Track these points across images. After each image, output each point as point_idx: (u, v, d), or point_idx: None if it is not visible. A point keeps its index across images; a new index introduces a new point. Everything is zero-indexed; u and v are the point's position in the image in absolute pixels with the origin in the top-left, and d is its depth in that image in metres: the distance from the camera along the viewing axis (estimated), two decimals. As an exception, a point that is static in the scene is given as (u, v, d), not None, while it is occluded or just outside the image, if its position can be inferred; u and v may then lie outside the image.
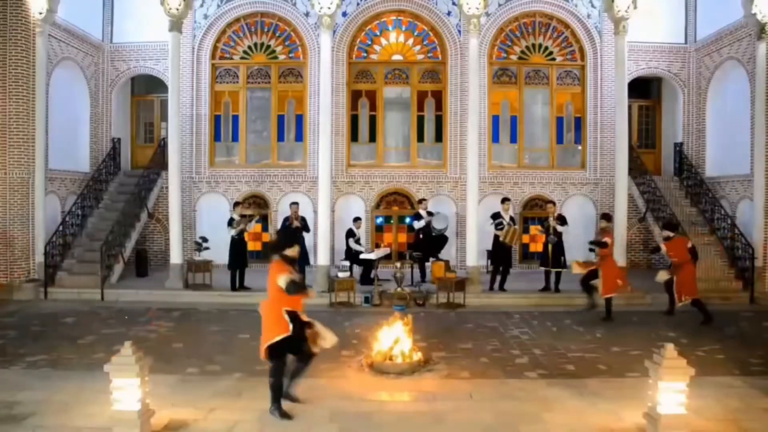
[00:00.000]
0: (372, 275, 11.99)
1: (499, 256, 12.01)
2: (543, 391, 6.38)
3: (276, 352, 5.43)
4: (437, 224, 12.51)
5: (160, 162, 14.68)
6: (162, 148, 14.90)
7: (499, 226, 11.82)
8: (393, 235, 15.05)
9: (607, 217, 11.02)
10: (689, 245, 10.26)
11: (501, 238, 11.81)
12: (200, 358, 7.58)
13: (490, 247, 12.44)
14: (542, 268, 12.01)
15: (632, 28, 12.40)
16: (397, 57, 15.09)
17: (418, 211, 12.99)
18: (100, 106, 15.04)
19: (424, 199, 13.35)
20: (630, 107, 13.60)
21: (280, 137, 15.25)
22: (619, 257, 11.91)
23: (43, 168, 12.23)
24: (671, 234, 10.35)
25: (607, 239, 10.29)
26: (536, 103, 15.35)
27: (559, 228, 11.70)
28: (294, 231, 11.48)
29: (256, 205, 14.96)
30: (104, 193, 14.53)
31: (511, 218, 12.21)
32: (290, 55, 15.09)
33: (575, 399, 6.04)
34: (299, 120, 15.11)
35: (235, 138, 15.34)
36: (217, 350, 7.97)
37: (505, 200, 12.34)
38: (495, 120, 15.05)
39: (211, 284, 12.12)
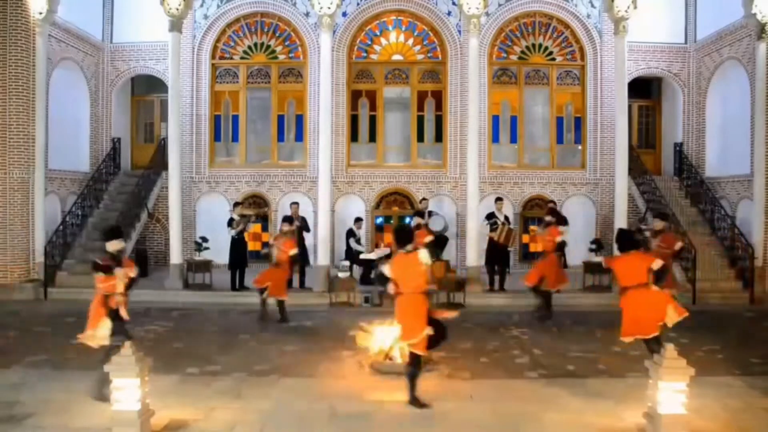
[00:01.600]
0: (372, 275, 11.98)
1: (494, 256, 11.98)
2: (543, 391, 6.38)
3: None
4: (433, 226, 12.47)
5: (160, 162, 14.66)
6: (162, 148, 14.88)
7: (493, 226, 11.81)
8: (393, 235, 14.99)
9: (553, 212, 11.20)
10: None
11: (495, 238, 11.79)
12: (200, 358, 7.58)
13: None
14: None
15: (632, 28, 12.39)
16: (397, 57, 15.09)
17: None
18: (100, 106, 15.03)
19: (425, 199, 13.35)
20: (630, 107, 13.58)
21: (280, 137, 15.25)
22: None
23: (43, 168, 12.22)
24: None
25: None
26: (536, 103, 15.34)
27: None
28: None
29: (256, 205, 14.95)
30: (104, 193, 14.52)
31: (506, 217, 12.19)
32: (290, 55, 15.09)
33: (575, 399, 6.05)
34: (299, 120, 15.10)
35: (235, 138, 15.33)
36: (217, 350, 7.97)
37: (498, 199, 12.34)
38: (495, 120, 15.04)
39: (211, 284, 12.12)
